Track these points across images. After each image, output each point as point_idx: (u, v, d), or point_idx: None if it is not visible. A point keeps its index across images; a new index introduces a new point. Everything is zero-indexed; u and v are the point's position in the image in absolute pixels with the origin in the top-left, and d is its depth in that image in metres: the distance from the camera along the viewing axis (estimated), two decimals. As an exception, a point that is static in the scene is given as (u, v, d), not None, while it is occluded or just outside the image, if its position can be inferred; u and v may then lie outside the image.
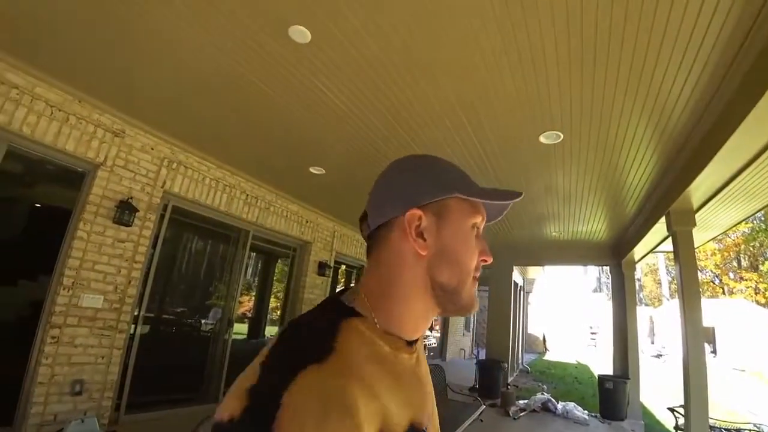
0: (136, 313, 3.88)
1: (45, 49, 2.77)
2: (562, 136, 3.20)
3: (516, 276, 9.63)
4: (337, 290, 0.70)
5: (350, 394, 0.43)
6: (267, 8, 2.13)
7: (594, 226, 5.94)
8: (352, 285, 0.63)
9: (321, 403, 0.40)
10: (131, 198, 3.67)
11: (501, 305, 8.14)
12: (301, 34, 2.28)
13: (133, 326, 3.87)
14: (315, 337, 0.50)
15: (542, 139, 3.27)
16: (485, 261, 0.61)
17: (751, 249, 25.53)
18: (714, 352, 17.48)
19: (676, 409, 4.90)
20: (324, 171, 4.57)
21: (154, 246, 4.05)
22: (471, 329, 17.13)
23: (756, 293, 23.75)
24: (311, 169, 4.54)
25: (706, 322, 4.07)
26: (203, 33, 2.39)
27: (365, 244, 0.64)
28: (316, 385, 0.42)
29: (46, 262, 3.46)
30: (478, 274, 0.61)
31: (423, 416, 0.56)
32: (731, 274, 26.80)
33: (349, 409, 0.42)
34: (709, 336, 17.41)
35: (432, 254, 0.57)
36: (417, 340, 0.61)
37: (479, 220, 0.61)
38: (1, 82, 2.87)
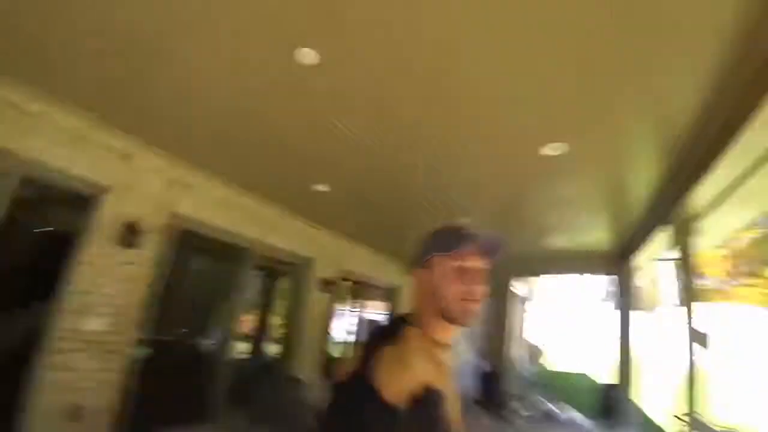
0: (138, 336, 3.87)
1: (55, 76, 2.88)
2: (565, 147, 3.16)
3: (516, 286, 9.60)
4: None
5: (409, 357, 0.86)
6: (274, 29, 2.23)
7: (595, 235, 5.93)
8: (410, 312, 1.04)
9: (395, 360, 0.85)
10: (137, 220, 3.73)
11: (499, 316, 8.15)
12: (308, 55, 2.34)
13: (135, 349, 3.85)
14: (392, 332, 0.94)
15: (543, 150, 3.22)
16: (476, 288, 0.95)
17: (760, 255, 25.25)
18: (717, 358, 17.24)
19: (680, 417, 4.86)
20: (329, 188, 4.61)
21: (158, 267, 4.09)
22: (471, 339, 16.94)
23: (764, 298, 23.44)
24: (316, 187, 4.58)
25: (710, 328, 4.11)
26: (209, 53, 2.50)
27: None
28: (393, 352, 0.87)
29: (52, 285, 3.48)
30: (470, 297, 0.94)
31: (446, 390, 0.88)
32: (737, 280, 26.52)
33: (408, 364, 0.85)
34: (712, 342, 17.20)
35: (430, 291, 0.97)
36: (448, 344, 0.99)
37: (464, 262, 0.95)
38: (21, 112, 2.97)
